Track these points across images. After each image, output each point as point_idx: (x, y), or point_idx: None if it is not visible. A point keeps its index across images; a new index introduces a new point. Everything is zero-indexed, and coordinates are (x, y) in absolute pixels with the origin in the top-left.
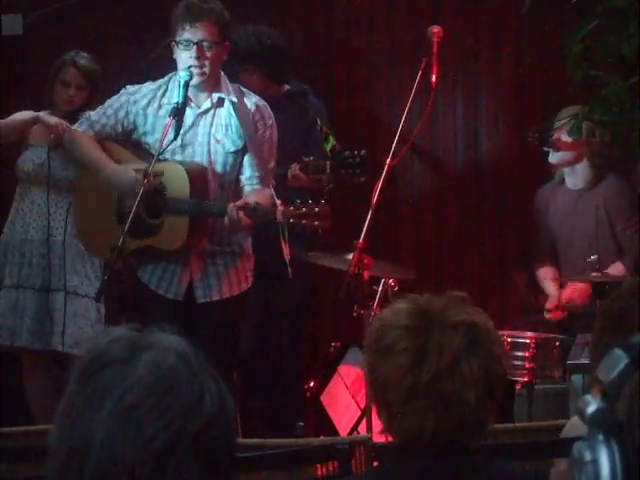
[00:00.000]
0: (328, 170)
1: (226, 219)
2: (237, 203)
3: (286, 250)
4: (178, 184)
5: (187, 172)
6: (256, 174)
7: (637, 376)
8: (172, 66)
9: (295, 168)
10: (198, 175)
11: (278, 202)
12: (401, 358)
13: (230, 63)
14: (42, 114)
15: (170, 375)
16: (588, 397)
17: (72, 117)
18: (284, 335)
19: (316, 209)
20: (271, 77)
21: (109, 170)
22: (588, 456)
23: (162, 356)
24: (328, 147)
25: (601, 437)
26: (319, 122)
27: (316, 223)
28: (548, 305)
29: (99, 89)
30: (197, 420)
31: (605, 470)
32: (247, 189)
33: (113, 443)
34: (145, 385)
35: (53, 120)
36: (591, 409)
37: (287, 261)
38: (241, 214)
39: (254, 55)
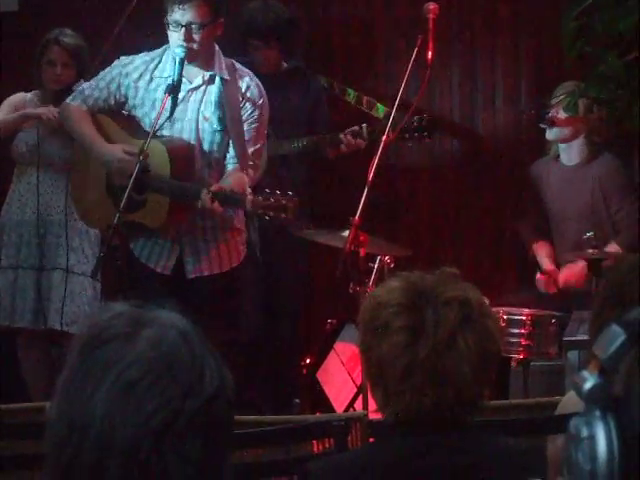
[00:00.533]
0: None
1: (199, 203)
2: (211, 189)
3: (255, 237)
4: (159, 163)
5: (167, 150)
6: (236, 154)
7: (634, 352)
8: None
9: (348, 137)
10: (182, 153)
11: (249, 191)
12: (397, 336)
13: (241, 38)
14: (28, 111)
15: (170, 352)
16: (585, 373)
17: (62, 96)
18: (282, 313)
19: (283, 201)
20: (287, 52)
21: (99, 149)
22: (585, 432)
23: (163, 333)
24: (380, 114)
25: (598, 413)
26: (352, 93)
27: (282, 216)
28: (544, 267)
29: (86, 65)
30: (197, 398)
31: (602, 446)
32: (230, 167)
33: (112, 419)
34: (145, 361)
35: (39, 110)
36: (588, 385)
37: (255, 249)
38: (214, 201)
39: (277, 29)
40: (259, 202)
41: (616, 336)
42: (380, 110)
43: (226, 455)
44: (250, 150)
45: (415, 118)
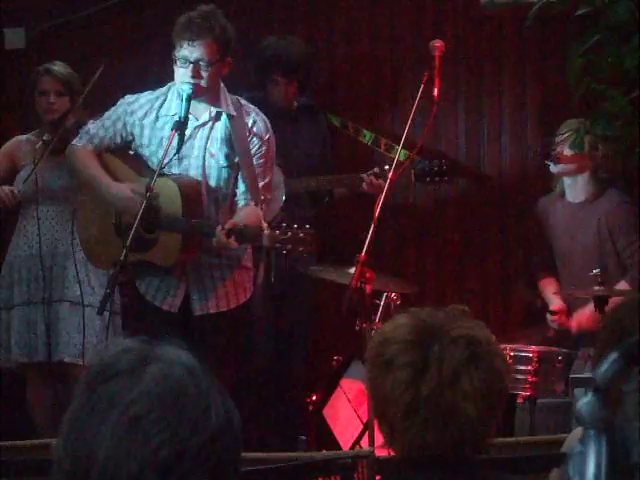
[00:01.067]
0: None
1: (214, 241)
2: (226, 225)
3: (262, 272)
4: (171, 201)
5: (179, 188)
6: (248, 190)
7: (629, 371)
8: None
9: (371, 177)
10: (191, 190)
11: (265, 225)
12: (401, 372)
13: (260, 72)
14: None
15: (177, 387)
16: (582, 394)
17: (57, 126)
18: (289, 349)
19: (301, 234)
20: (303, 86)
21: (107, 188)
22: (577, 448)
23: (169, 368)
24: (402, 157)
25: (592, 432)
26: (369, 135)
27: (300, 249)
28: (552, 307)
29: (78, 94)
30: (202, 433)
31: (591, 463)
32: (240, 204)
33: (118, 454)
34: (151, 396)
35: None
36: (580, 403)
37: (259, 282)
38: (229, 237)
39: (301, 65)
40: (276, 236)
41: (610, 357)
42: (401, 155)
43: None
44: (260, 184)
45: (435, 162)
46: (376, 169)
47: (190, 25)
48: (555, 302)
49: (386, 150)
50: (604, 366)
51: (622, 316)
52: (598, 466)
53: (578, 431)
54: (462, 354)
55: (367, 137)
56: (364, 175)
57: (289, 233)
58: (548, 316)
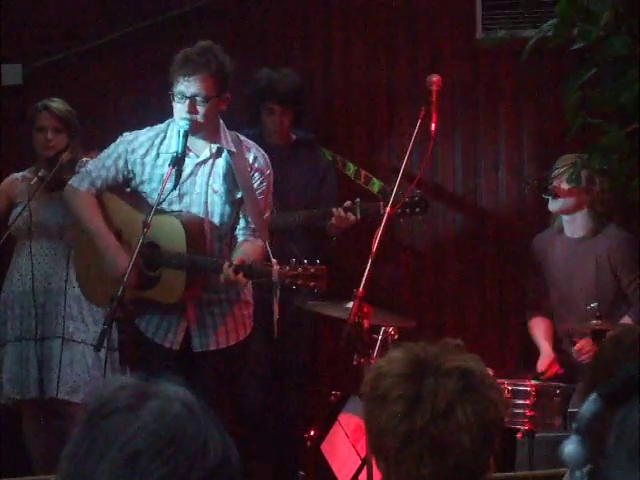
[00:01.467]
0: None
1: (222, 277)
2: (234, 262)
3: (276, 309)
4: (174, 237)
5: (183, 225)
6: (251, 225)
7: (611, 411)
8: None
9: (340, 211)
10: (194, 227)
11: (274, 261)
12: (395, 405)
13: (254, 104)
14: None
15: (174, 424)
16: (566, 440)
17: (53, 162)
18: (286, 384)
19: (312, 270)
20: (298, 119)
21: (106, 249)
22: None
23: (167, 405)
24: (375, 189)
25: (577, 474)
26: (352, 167)
27: (312, 284)
28: (540, 367)
29: (76, 131)
30: (201, 470)
31: None
32: (241, 239)
33: None
34: (149, 433)
35: None
36: (564, 446)
37: (275, 320)
38: (238, 273)
39: (294, 93)
40: (286, 272)
41: (590, 397)
42: (375, 185)
43: None
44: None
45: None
46: (347, 203)
47: (187, 61)
48: (544, 354)
49: (365, 182)
50: (583, 407)
51: (610, 355)
52: None
53: None
54: (455, 386)
55: (351, 170)
56: (334, 209)
57: (299, 269)
58: (538, 363)
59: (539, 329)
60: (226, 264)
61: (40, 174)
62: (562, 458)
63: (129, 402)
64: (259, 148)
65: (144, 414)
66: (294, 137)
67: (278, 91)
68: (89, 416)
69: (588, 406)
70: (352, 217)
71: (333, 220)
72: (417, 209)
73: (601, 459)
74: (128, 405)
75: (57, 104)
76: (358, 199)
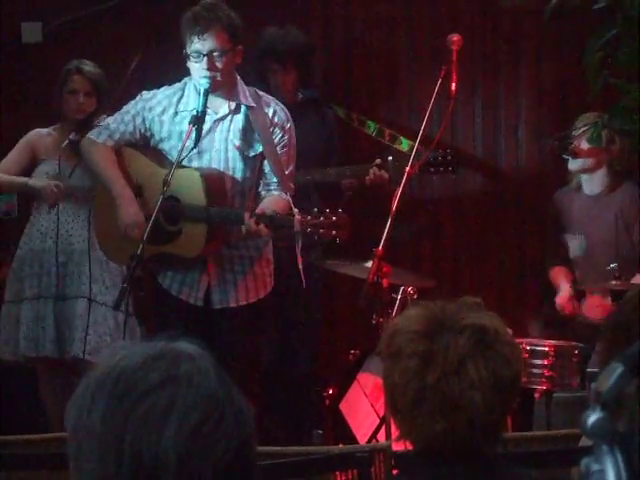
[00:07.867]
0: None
1: (243, 228)
2: (255, 212)
3: (300, 259)
4: (194, 191)
5: (203, 178)
6: (274, 180)
7: (635, 385)
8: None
9: (375, 170)
10: (215, 181)
11: (296, 211)
12: (409, 362)
13: (259, 64)
14: (31, 181)
15: (213, 384)
16: (588, 410)
17: (84, 125)
18: (301, 343)
19: (334, 218)
20: (303, 77)
21: (120, 198)
22: (595, 467)
23: (202, 375)
24: (404, 147)
25: (605, 448)
26: (373, 126)
27: (333, 233)
28: (558, 300)
29: (107, 94)
30: (247, 429)
31: (611, 477)
32: (265, 195)
33: (189, 459)
34: (204, 400)
35: (40, 184)
36: (589, 420)
37: (300, 271)
38: (259, 224)
39: (294, 53)
40: (308, 221)
41: (614, 369)
42: (404, 144)
43: None
44: (286, 173)
45: (440, 152)
46: (378, 160)
47: (197, 19)
48: (564, 290)
49: (390, 141)
50: (610, 380)
51: (629, 313)
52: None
53: None
54: (467, 342)
55: (371, 128)
56: (370, 169)
57: (321, 217)
58: (557, 300)
59: (559, 275)
60: (247, 215)
61: (72, 137)
62: (584, 430)
63: (168, 373)
64: (278, 102)
65: (184, 386)
66: (300, 96)
67: (277, 50)
68: (121, 394)
69: (615, 380)
70: (386, 175)
71: (367, 179)
72: (450, 167)
73: (630, 429)
74: (169, 376)
75: (90, 68)
76: (390, 157)
